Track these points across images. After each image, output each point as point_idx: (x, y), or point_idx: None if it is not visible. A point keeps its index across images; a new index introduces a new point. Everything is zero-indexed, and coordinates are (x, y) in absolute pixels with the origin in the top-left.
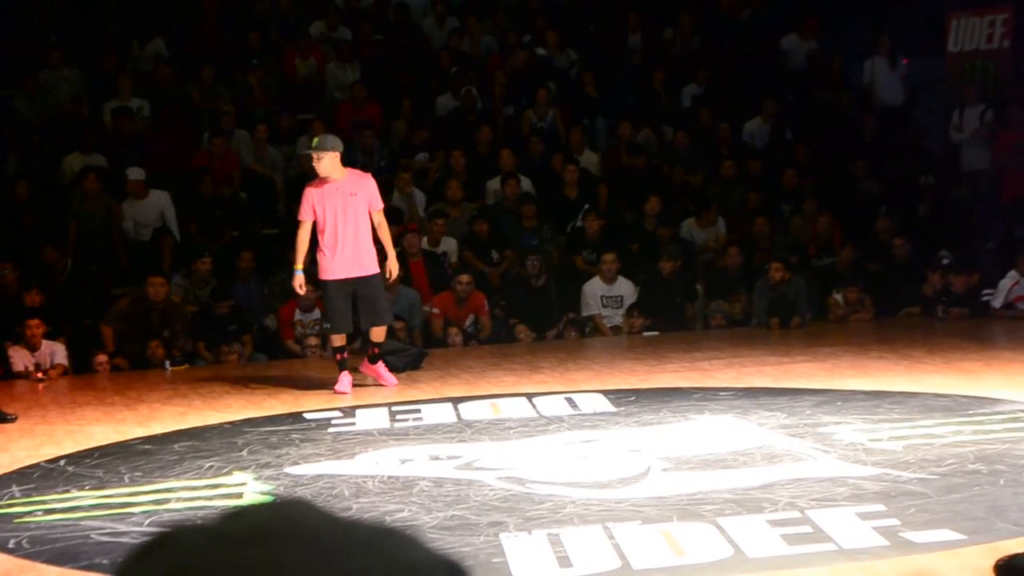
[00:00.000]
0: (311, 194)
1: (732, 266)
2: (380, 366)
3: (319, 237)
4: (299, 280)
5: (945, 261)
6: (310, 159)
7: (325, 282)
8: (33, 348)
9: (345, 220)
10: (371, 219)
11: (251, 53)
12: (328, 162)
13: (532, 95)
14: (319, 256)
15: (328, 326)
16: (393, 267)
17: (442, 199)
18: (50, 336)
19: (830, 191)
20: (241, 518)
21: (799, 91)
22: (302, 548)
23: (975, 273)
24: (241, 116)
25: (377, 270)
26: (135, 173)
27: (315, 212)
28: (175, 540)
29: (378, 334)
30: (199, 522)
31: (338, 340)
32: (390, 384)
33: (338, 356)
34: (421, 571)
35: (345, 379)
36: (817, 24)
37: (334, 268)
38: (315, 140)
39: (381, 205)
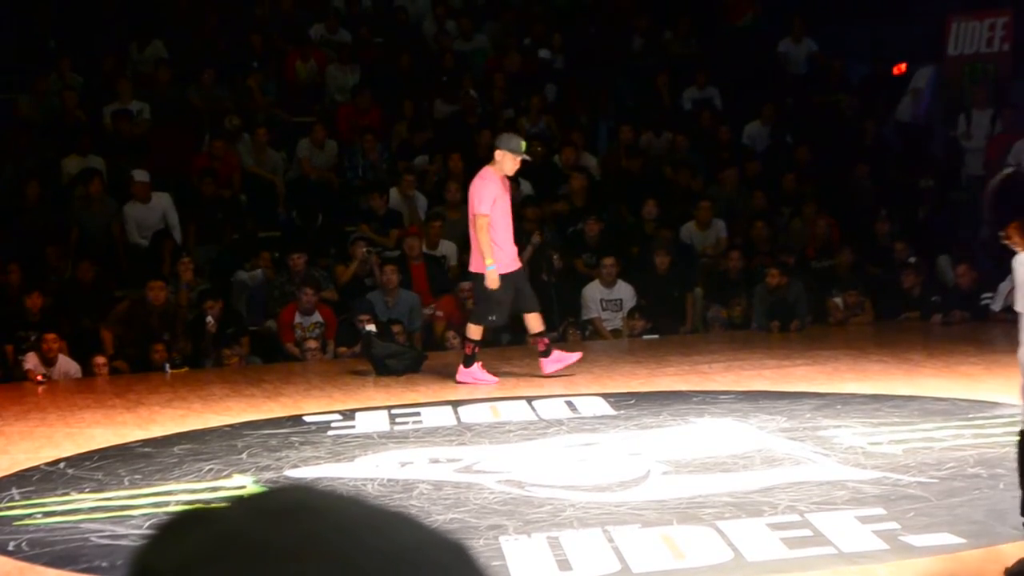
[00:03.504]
0: (493, 188)
1: (733, 270)
2: (556, 352)
3: (490, 232)
4: (496, 274)
5: (911, 259)
6: (519, 160)
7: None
8: (49, 363)
9: (508, 217)
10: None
11: (251, 56)
12: None
13: (531, 99)
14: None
15: (495, 319)
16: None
17: (442, 202)
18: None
19: (830, 194)
20: (271, 496)
21: (798, 94)
22: (334, 523)
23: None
24: (242, 118)
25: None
26: (140, 175)
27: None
28: (214, 514)
29: (539, 321)
30: (228, 500)
31: (480, 334)
32: (573, 360)
33: (475, 350)
34: (452, 545)
35: (480, 372)
36: (804, 24)
37: (503, 262)
38: (525, 143)
39: None
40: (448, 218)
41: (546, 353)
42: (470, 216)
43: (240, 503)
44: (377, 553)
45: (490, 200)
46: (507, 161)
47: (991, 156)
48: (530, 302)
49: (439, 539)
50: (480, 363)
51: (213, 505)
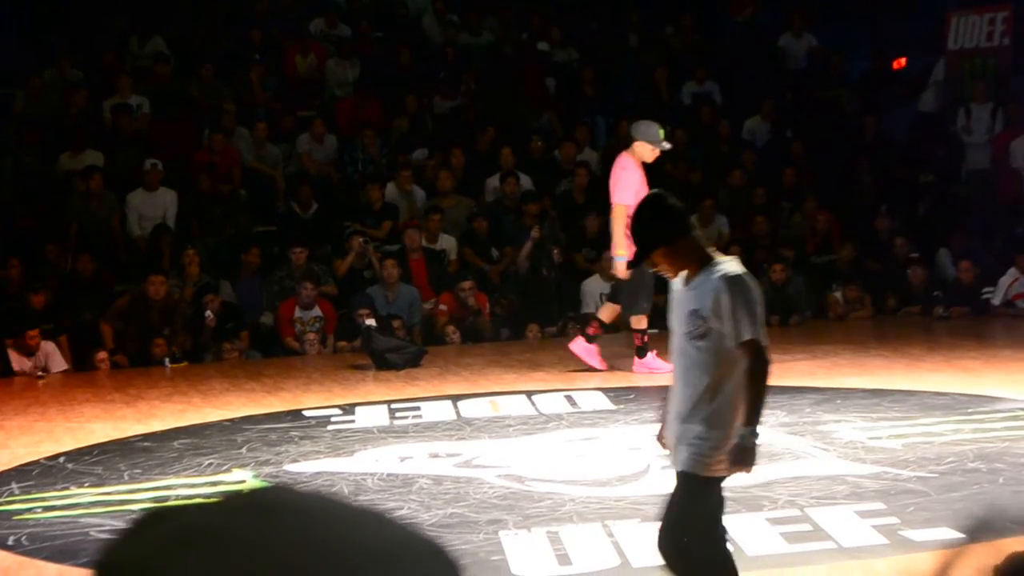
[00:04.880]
0: (634, 178)
1: None
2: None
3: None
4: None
5: (913, 255)
6: (658, 151)
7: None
8: (29, 353)
9: None
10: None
11: (251, 50)
12: None
13: (531, 92)
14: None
15: (648, 306)
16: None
17: (438, 194)
18: (52, 334)
19: (830, 189)
20: (237, 497)
21: (798, 89)
22: (296, 523)
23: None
24: (241, 113)
25: None
26: (153, 162)
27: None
28: (173, 513)
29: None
30: (196, 500)
31: (644, 323)
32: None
33: (645, 339)
34: (417, 556)
35: (655, 360)
36: (803, 19)
37: None
38: (663, 132)
39: None
40: (444, 208)
41: (590, 340)
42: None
43: (212, 501)
44: (355, 549)
45: (631, 189)
46: (645, 151)
47: (997, 151)
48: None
49: (417, 537)
50: (655, 351)
51: (178, 503)
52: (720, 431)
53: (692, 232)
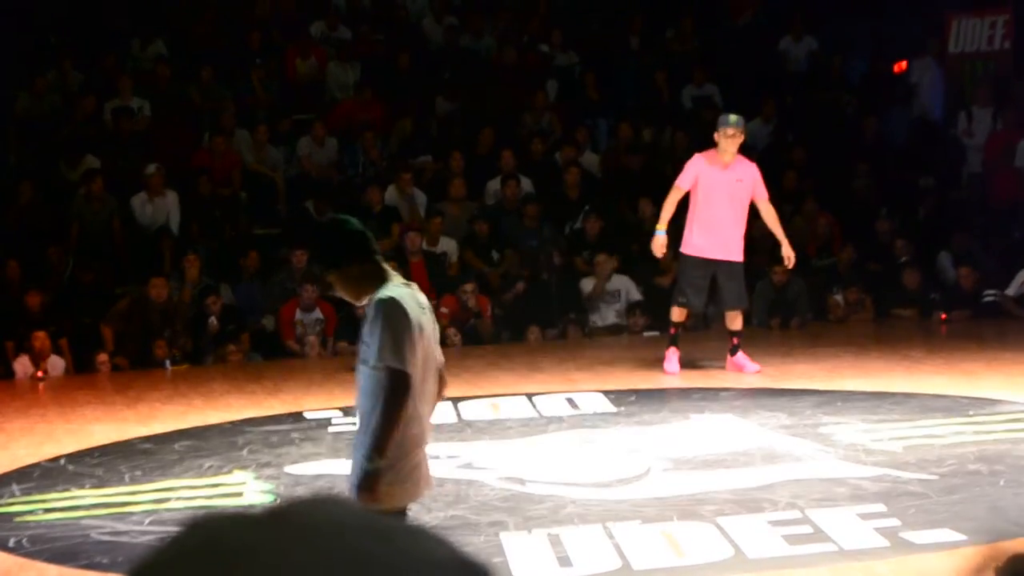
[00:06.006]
0: (699, 165)
1: None
2: (740, 356)
3: (693, 211)
4: (661, 241)
5: (904, 258)
6: (729, 134)
7: (688, 256)
8: (35, 356)
9: (727, 203)
10: (752, 206)
11: (251, 53)
12: (738, 142)
13: (532, 95)
14: (688, 229)
15: (684, 300)
16: (790, 254)
17: (444, 198)
18: (53, 336)
19: (830, 192)
20: (280, 508)
21: (798, 92)
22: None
23: (977, 270)
24: (242, 115)
25: (742, 258)
26: (153, 168)
27: (695, 183)
28: (207, 520)
29: (736, 320)
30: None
31: (679, 315)
32: (752, 371)
33: (672, 331)
34: (437, 564)
35: (673, 357)
36: (804, 22)
37: (702, 246)
38: (734, 117)
39: (767, 195)
40: (450, 213)
41: (733, 351)
42: None
43: (248, 515)
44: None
45: (690, 176)
46: (721, 140)
47: (989, 154)
48: (730, 299)
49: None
50: (674, 348)
51: (220, 512)
52: (386, 461)
53: (372, 258)
